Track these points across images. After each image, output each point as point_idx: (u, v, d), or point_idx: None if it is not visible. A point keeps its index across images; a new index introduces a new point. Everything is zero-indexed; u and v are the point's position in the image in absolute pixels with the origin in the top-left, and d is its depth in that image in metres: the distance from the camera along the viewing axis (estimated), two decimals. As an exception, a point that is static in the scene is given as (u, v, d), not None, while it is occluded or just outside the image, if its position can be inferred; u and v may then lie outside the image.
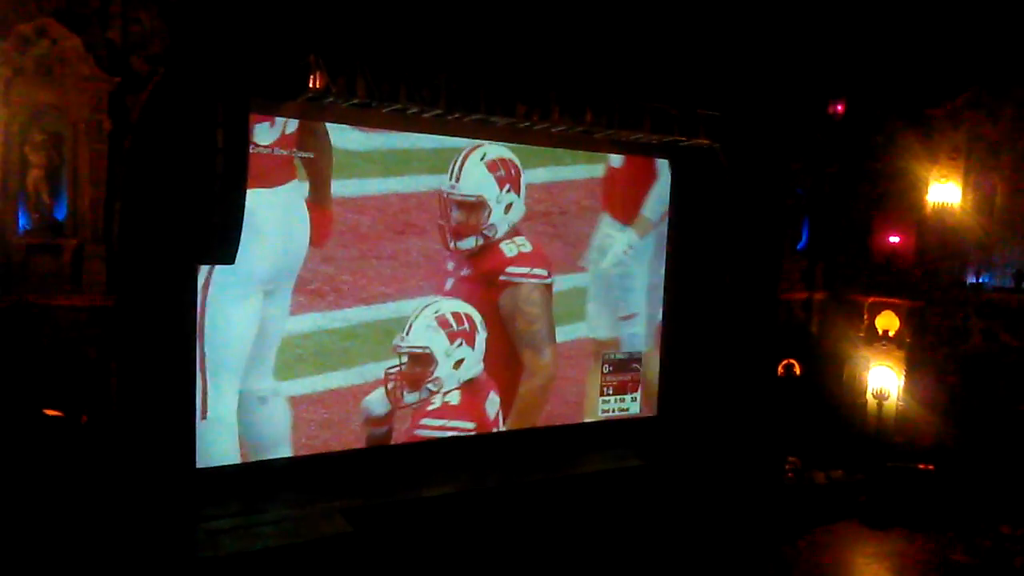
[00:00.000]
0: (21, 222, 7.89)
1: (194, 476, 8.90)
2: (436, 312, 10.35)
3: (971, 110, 11.81)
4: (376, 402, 10.11)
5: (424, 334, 10.26)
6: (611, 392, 12.13)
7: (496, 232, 10.59)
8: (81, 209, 8.06)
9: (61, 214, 8.06)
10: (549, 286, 11.23)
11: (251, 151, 8.53)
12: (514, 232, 10.87)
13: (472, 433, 10.73)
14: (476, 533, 9.28)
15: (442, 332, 10.36)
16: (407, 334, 10.18)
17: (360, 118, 9.60)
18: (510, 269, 10.88)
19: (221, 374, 9.13)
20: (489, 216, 10.51)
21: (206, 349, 8.97)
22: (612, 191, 11.86)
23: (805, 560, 10.14)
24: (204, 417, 8.99)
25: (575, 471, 10.84)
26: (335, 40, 8.57)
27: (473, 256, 10.62)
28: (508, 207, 10.67)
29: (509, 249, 10.83)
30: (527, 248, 10.97)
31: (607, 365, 12.05)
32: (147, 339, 8.43)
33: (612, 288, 11.99)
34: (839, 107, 12.49)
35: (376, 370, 10.09)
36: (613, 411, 12.19)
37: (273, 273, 9.32)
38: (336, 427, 9.92)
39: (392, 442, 10.29)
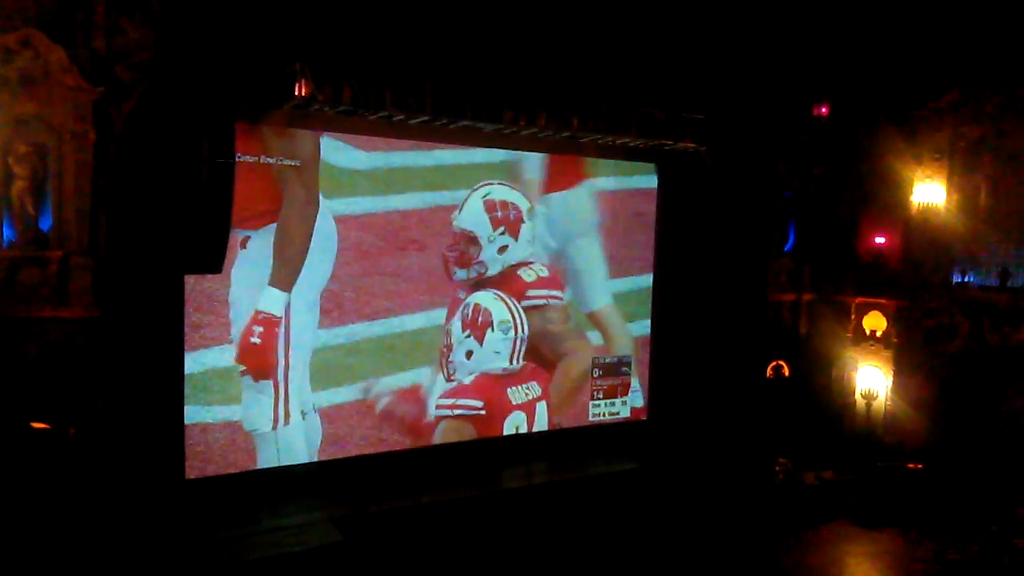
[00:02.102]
0: (6, 234, 7.85)
1: (184, 487, 8.83)
2: (471, 302, 10.68)
3: (954, 110, 11.95)
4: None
5: (455, 319, 10.66)
6: (601, 396, 12.13)
7: (487, 271, 10.69)
8: (66, 220, 8.01)
9: (46, 225, 8.01)
10: (565, 307, 11.50)
11: (237, 160, 8.46)
12: (526, 263, 11.05)
13: (482, 412, 10.81)
14: (468, 541, 9.26)
15: (459, 320, 10.67)
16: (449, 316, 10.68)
17: (346, 126, 9.58)
18: (530, 292, 11.13)
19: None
20: (480, 253, 10.64)
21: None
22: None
23: (797, 561, 10.18)
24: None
25: (567, 476, 10.81)
26: (321, 48, 8.55)
27: (490, 282, 10.81)
28: (502, 249, 10.77)
29: (528, 275, 11.08)
30: (544, 273, 11.24)
31: (596, 369, 12.05)
32: (134, 350, 8.37)
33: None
34: (823, 109, 12.58)
35: (379, 384, 10.17)
36: (603, 415, 12.19)
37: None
38: (341, 441, 9.95)
39: (421, 421, 10.53)
